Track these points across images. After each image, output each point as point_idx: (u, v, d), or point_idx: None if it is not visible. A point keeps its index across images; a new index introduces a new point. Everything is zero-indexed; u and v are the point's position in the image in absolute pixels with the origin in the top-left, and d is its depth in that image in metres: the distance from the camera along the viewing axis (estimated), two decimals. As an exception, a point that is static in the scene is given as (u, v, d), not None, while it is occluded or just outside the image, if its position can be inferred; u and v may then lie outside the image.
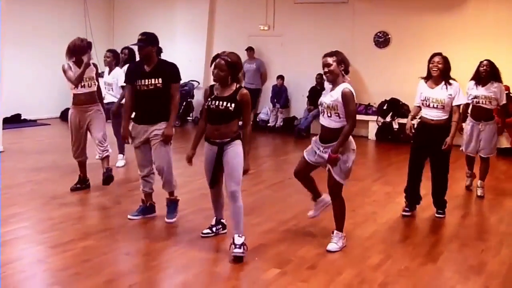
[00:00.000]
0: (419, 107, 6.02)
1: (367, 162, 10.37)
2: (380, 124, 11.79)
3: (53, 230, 5.20)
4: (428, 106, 5.85)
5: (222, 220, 5.17)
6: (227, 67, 4.55)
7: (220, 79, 4.61)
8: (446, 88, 5.77)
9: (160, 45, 5.43)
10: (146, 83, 5.33)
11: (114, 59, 8.22)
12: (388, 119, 11.67)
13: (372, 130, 11.99)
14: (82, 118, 6.54)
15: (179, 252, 4.65)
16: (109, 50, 8.44)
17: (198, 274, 4.25)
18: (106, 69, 8.32)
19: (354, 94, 4.68)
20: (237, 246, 4.51)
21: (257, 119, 13.26)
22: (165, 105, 5.40)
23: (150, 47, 5.32)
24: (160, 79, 5.32)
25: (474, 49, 10.61)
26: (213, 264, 4.50)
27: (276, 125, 12.91)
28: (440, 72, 5.77)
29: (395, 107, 11.61)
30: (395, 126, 11.56)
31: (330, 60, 4.71)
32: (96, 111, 6.59)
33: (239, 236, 4.56)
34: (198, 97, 13.69)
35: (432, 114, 5.85)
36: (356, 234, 5.37)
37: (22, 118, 12.64)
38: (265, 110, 13.24)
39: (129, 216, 5.57)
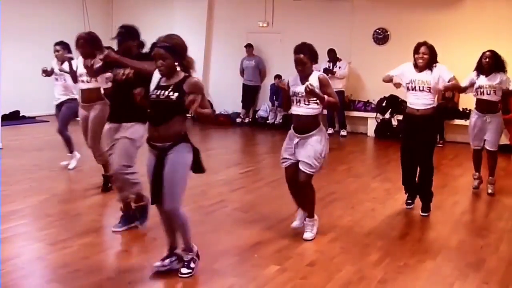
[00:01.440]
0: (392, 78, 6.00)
1: (366, 159, 10.39)
2: (379, 121, 11.79)
3: (52, 227, 5.20)
4: (414, 89, 5.73)
5: (177, 251, 4.25)
6: (169, 54, 3.87)
7: (165, 70, 3.93)
8: (431, 71, 5.68)
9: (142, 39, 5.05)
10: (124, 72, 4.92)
11: (65, 51, 7.42)
12: (387, 116, 11.67)
13: (371, 127, 11.98)
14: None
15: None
16: (57, 43, 7.60)
17: (197, 271, 4.25)
18: (55, 63, 7.64)
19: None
20: (185, 263, 4.16)
21: (256, 116, 13.29)
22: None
23: (130, 41, 5.01)
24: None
25: (473, 45, 10.56)
26: (212, 260, 4.48)
27: (276, 122, 12.91)
28: (426, 63, 5.68)
29: (394, 104, 11.59)
30: (394, 123, 11.55)
31: (303, 58, 4.89)
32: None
33: (186, 252, 4.18)
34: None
35: (418, 102, 5.72)
36: (355, 231, 5.38)
37: (21, 115, 12.63)
38: (264, 107, 13.24)
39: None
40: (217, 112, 13.78)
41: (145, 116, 4.31)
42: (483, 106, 6.81)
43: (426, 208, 5.97)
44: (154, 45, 3.95)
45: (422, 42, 5.79)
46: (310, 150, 4.84)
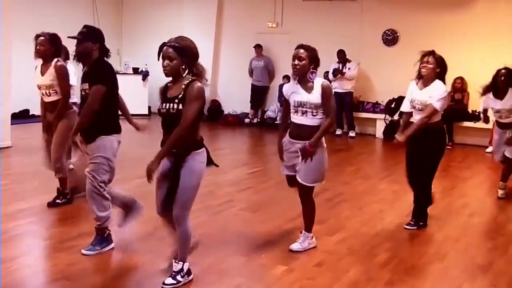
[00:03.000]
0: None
1: (375, 161, 10.37)
2: (387, 122, 11.76)
3: (61, 225, 5.23)
4: (420, 110, 5.40)
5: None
6: (178, 55, 3.68)
7: (171, 71, 3.72)
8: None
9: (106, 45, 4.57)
10: (83, 88, 4.51)
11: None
12: (396, 117, 11.62)
13: (379, 129, 11.96)
14: None
15: (186, 249, 4.65)
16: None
17: (204, 271, 4.26)
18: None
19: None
20: (172, 274, 3.91)
21: (265, 116, 13.30)
22: (99, 117, 4.45)
23: (89, 43, 4.48)
24: (87, 84, 4.45)
25: (483, 47, 10.58)
26: (219, 260, 4.50)
27: (284, 123, 12.89)
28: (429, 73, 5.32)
29: (403, 105, 11.56)
30: (403, 124, 11.50)
31: (302, 54, 4.44)
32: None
33: (176, 262, 3.94)
34: (206, 94, 13.69)
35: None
36: (363, 232, 5.37)
37: (31, 113, 12.69)
38: (273, 107, 13.25)
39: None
40: (225, 112, 13.84)
41: (111, 128, 4.50)
42: (503, 126, 6.79)
43: (414, 221, 5.58)
44: (163, 44, 3.74)
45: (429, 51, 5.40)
46: (312, 162, 4.53)
